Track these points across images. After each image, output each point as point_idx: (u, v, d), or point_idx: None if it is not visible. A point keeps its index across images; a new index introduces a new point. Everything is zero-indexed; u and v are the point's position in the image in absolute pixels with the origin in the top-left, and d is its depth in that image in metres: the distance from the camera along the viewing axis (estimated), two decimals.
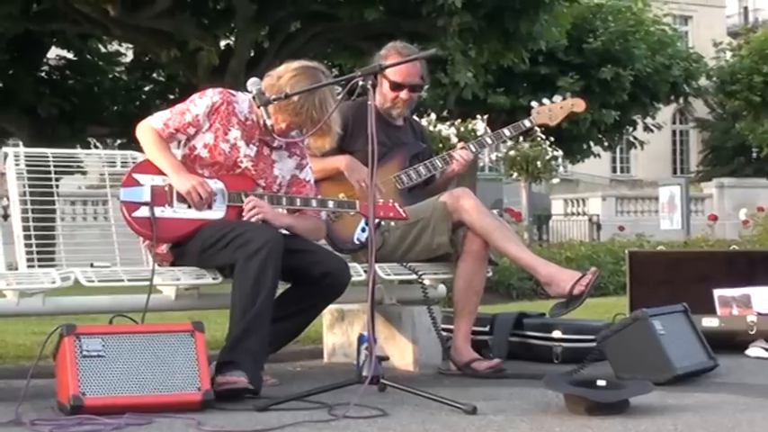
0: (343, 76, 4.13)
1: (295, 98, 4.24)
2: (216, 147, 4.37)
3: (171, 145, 4.44)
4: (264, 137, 4.43)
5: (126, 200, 4.27)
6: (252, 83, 4.34)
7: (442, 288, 5.23)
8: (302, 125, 4.34)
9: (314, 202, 4.45)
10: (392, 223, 4.77)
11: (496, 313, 5.47)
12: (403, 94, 5.08)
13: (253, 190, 4.39)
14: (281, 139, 4.42)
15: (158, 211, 4.25)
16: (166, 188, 4.29)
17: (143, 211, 4.25)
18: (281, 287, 4.28)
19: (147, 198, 4.26)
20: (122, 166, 4.75)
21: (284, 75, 4.32)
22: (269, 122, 4.27)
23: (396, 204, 4.39)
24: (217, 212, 4.32)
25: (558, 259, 10.11)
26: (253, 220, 4.26)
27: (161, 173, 4.31)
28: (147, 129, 4.38)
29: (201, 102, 4.39)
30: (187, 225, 4.29)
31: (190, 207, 4.30)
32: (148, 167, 4.34)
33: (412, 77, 5.05)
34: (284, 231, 4.42)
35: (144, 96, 20.34)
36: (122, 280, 4.20)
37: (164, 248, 4.36)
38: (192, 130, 4.38)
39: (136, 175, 4.32)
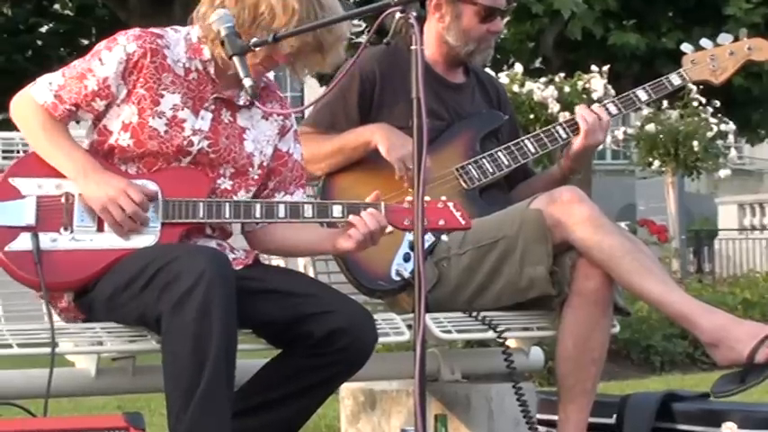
0: (369, 6, 4.12)
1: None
2: (143, 127, 4.34)
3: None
4: (222, 92, 4.43)
5: None
6: (219, 18, 4.29)
7: (537, 353, 5.24)
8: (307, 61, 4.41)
9: (308, 209, 4.38)
10: (444, 237, 4.69)
11: (629, 394, 5.47)
12: (494, 26, 5.14)
13: (208, 194, 4.35)
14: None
15: (47, 241, 4.23)
16: (63, 199, 4.29)
17: (23, 242, 4.22)
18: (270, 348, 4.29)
19: (30, 219, 4.25)
20: (4, 159, 4.79)
21: None
22: (247, 82, 4.18)
23: (450, 205, 4.35)
24: (144, 237, 4.28)
25: (730, 304, 10.09)
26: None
27: (55, 174, 4.31)
28: (29, 105, 4.36)
29: (111, 56, 4.35)
30: (97, 260, 4.25)
31: (101, 230, 4.28)
32: (34, 166, 4.34)
33: None
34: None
35: (40, 42, 20.46)
36: (10, 346, 4.22)
37: (66, 300, 4.36)
38: (100, 104, 4.36)
39: (13, 181, 4.31)
